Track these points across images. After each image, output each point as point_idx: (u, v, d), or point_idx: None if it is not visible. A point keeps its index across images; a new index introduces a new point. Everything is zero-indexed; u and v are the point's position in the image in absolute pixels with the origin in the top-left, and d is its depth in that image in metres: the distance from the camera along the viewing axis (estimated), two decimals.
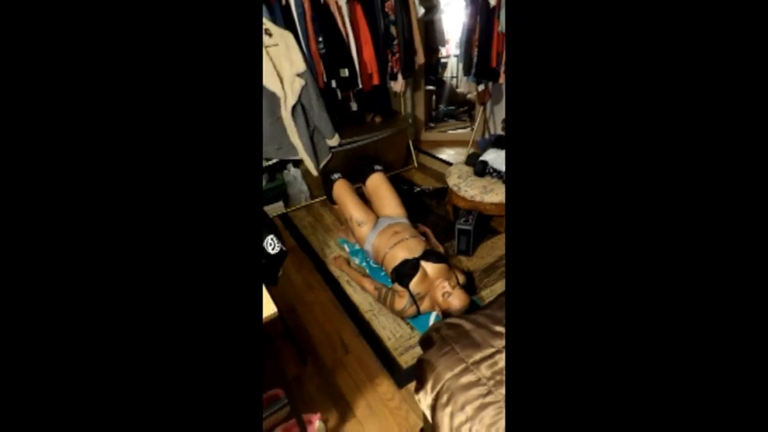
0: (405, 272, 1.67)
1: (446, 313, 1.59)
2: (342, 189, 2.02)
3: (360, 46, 2.37)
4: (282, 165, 2.57)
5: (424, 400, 0.95)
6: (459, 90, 4.10)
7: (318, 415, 1.29)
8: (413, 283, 1.64)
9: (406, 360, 1.53)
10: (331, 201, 2.12)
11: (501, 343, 0.95)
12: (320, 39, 2.22)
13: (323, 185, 2.18)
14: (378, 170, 2.10)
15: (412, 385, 1.43)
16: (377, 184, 2.06)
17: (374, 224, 1.92)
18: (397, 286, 1.69)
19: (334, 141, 2.44)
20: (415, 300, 1.62)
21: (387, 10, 2.41)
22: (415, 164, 3.12)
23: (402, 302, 1.63)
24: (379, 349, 1.59)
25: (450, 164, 3.00)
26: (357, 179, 2.15)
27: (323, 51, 2.25)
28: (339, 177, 2.06)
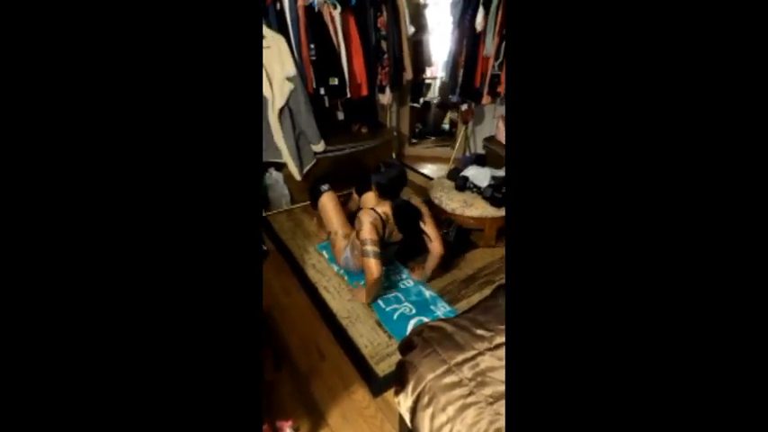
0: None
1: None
2: (328, 202, 2.02)
3: (350, 56, 2.41)
4: (264, 167, 2.54)
5: (404, 402, 0.93)
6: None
7: (290, 422, 1.23)
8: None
9: (383, 368, 1.50)
10: (314, 207, 2.11)
11: (483, 345, 0.96)
12: (312, 45, 2.25)
13: (309, 192, 2.16)
14: (324, 191, 2.07)
15: (387, 394, 1.41)
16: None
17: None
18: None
19: (319, 147, 2.44)
20: (378, 213, 1.70)
21: (379, 25, 2.48)
22: None
23: (366, 216, 1.67)
24: (356, 357, 1.55)
25: (431, 178, 3.05)
26: (345, 185, 2.14)
27: (314, 58, 2.27)
28: (327, 190, 2.04)
